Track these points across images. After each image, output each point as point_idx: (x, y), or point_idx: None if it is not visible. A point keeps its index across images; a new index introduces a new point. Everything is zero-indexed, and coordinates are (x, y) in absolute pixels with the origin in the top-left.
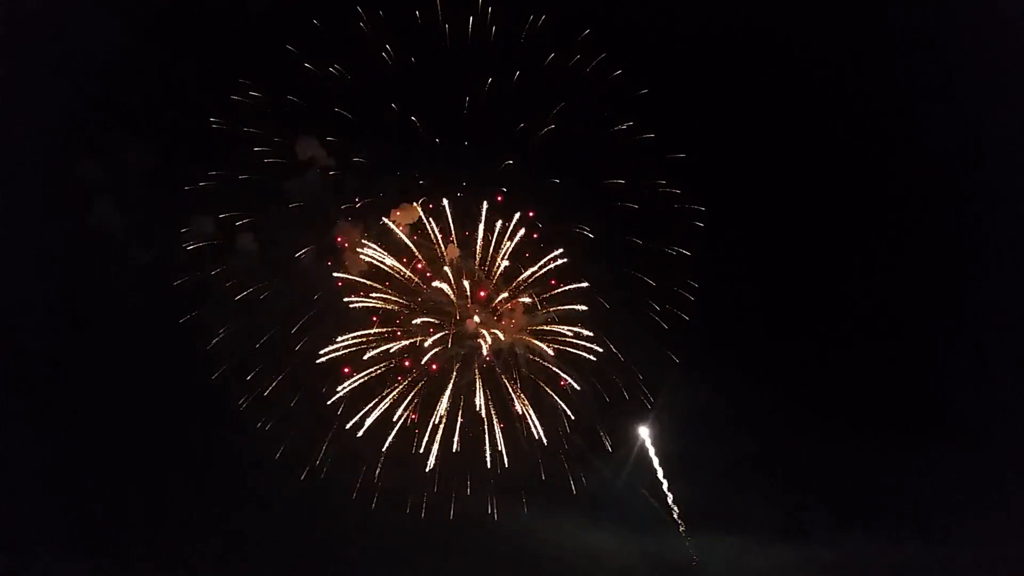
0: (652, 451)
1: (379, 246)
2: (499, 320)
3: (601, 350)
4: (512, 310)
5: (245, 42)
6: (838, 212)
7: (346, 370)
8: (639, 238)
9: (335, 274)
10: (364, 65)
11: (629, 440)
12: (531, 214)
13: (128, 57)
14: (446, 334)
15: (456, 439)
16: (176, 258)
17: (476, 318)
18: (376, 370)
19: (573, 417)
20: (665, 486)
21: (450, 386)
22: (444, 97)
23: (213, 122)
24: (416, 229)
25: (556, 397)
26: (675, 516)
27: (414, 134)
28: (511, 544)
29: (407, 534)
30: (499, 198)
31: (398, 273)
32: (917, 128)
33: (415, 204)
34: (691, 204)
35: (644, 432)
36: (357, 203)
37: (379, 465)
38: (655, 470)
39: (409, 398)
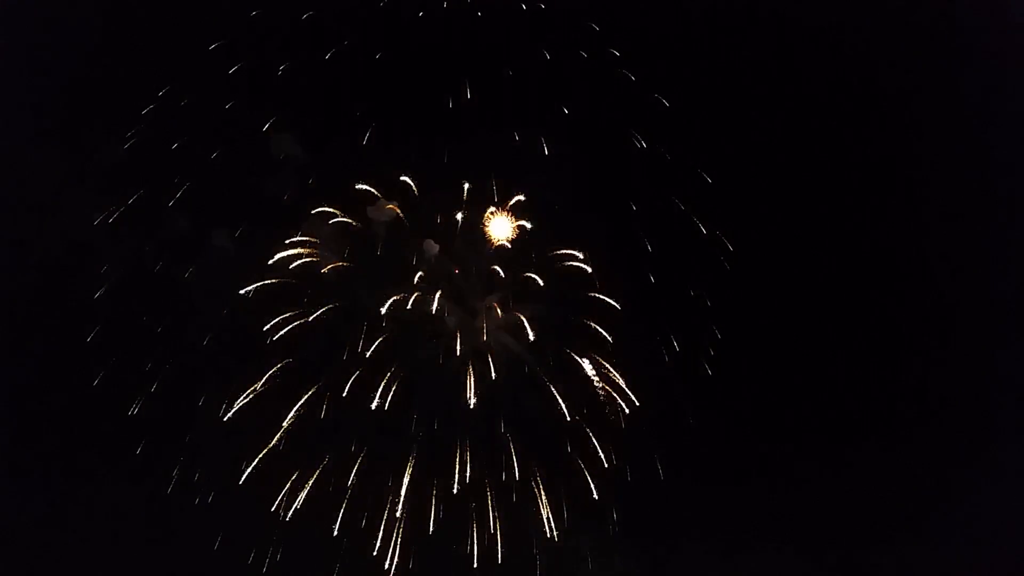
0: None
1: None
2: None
3: (638, 404)
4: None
5: (217, 32)
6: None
7: None
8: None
9: (241, 291)
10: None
11: None
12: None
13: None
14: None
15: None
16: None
17: (458, 340)
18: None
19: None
20: None
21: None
22: (417, 94)
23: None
24: (391, 228)
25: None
26: None
27: (388, 131)
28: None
29: None
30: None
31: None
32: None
33: (391, 204)
34: (716, 235)
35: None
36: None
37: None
38: None
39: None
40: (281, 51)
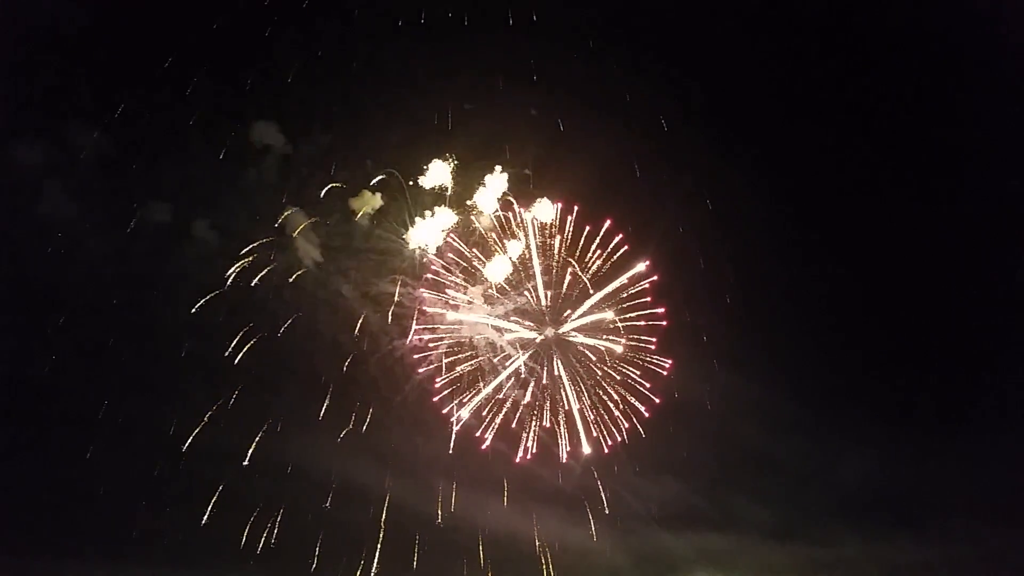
0: None
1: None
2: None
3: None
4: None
5: (201, 23)
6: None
7: None
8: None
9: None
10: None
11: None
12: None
13: (77, 39)
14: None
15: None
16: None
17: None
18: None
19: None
20: None
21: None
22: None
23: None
24: (376, 219)
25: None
26: None
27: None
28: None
29: None
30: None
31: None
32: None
33: (376, 193)
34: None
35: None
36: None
37: None
38: None
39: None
40: (245, 65)
